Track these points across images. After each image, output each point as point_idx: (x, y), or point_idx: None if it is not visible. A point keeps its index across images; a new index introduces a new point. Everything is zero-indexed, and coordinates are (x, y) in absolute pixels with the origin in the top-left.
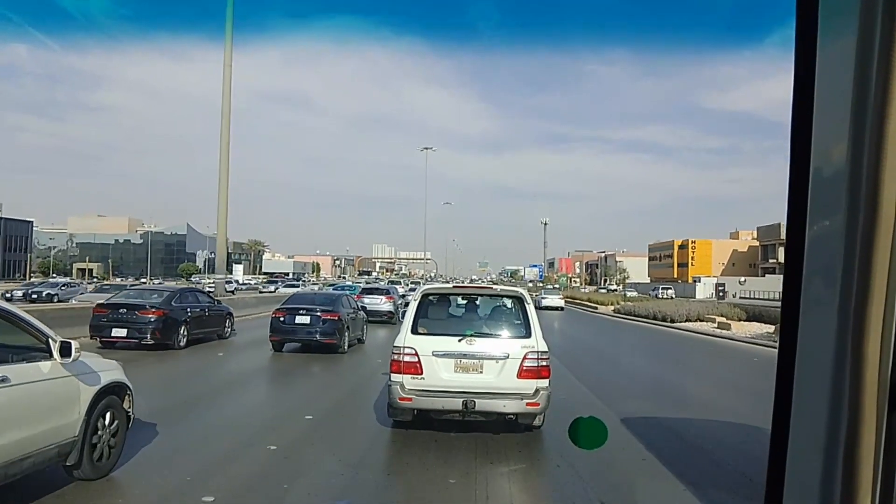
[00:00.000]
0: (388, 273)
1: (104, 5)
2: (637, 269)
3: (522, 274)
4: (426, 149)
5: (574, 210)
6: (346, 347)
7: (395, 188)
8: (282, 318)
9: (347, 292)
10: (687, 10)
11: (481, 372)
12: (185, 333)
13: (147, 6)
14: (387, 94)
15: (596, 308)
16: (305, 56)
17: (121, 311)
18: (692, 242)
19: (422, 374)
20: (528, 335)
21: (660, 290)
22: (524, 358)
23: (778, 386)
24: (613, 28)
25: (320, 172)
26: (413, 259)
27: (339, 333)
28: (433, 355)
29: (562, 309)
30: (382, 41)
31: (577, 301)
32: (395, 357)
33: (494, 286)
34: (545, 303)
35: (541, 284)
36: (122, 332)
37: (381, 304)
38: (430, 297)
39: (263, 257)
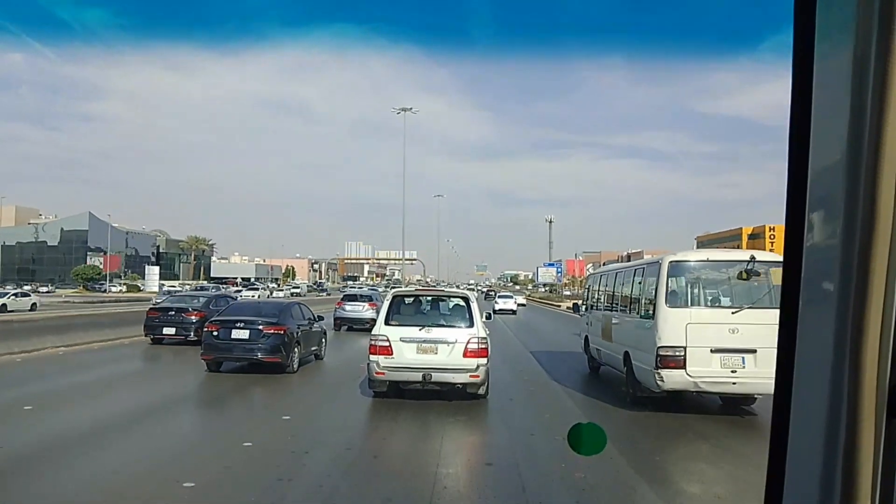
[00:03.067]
0: (379, 278)
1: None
2: None
3: (533, 277)
4: (403, 110)
5: (572, 215)
6: (295, 366)
7: (390, 194)
8: (215, 333)
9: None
10: (682, 16)
11: (436, 353)
12: None
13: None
14: (382, 102)
15: None
16: (301, 64)
17: (170, 313)
18: (770, 229)
19: (392, 354)
20: (471, 325)
21: None
22: (468, 342)
23: (777, 389)
24: (609, 35)
25: (311, 177)
26: (394, 259)
27: (285, 350)
28: (400, 340)
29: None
30: (379, 49)
31: None
32: (373, 342)
33: (446, 290)
34: (499, 305)
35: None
36: (171, 331)
37: (363, 311)
38: (399, 297)
39: (231, 259)
